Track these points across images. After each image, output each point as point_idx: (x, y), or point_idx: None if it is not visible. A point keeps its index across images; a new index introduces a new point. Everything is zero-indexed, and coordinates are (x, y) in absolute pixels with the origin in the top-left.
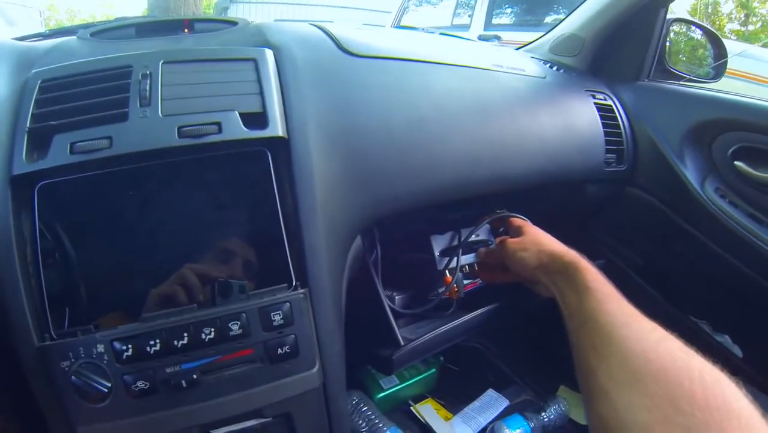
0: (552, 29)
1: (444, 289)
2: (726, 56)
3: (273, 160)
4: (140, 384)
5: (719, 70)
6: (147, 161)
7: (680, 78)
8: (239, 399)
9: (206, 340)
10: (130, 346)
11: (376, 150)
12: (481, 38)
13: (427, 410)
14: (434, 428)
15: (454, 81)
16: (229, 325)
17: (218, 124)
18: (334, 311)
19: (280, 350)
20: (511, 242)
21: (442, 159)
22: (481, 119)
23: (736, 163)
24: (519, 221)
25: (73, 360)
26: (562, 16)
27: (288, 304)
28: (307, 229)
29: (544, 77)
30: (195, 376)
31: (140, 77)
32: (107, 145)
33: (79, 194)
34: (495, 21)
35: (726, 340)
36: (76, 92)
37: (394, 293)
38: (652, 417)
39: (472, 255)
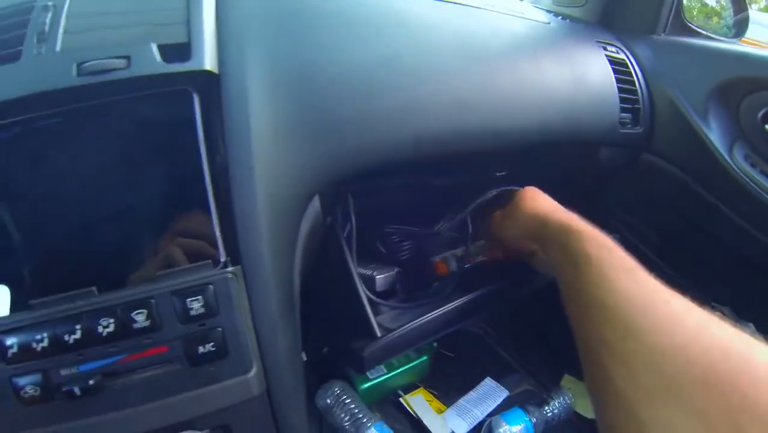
0: None
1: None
2: (746, 10)
3: (200, 103)
4: (29, 390)
5: (740, 26)
6: (45, 109)
7: (697, 34)
8: (156, 410)
9: (104, 334)
10: (14, 341)
11: (337, 91)
12: None
13: (418, 402)
14: (425, 422)
15: (435, 16)
16: (132, 315)
17: (128, 58)
18: (280, 297)
19: (201, 349)
20: (498, 213)
21: (420, 104)
22: (470, 61)
23: (767, 127)
24: (517, 192)
25: None
26: None
27: (211, 287)
28: (240, 189)
29: (548, 23)
30: (92, 381)
31: (41, 10)
32: None
33: None
34: None
35: (751, 329)
36: None
37: (375, 273)
38: None
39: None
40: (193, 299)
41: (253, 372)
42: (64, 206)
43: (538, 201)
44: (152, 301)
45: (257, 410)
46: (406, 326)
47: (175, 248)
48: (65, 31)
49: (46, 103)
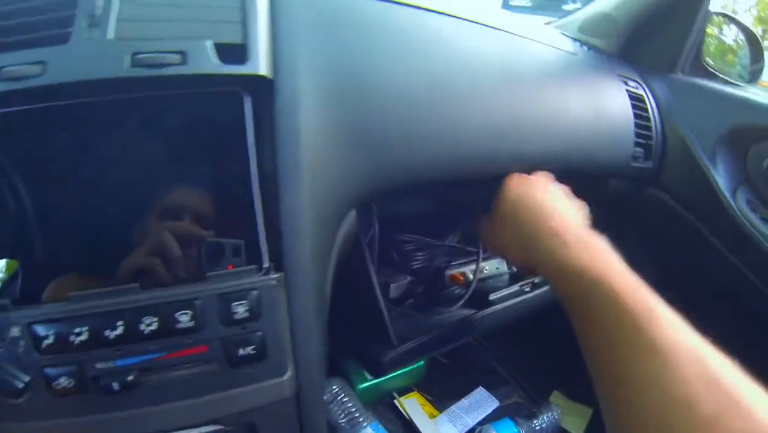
0: (584, 7)
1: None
2: (762, 60)
3: (252, 106)
4: (63, 381)
5: (755, 74)
6: (91, 96)
7: (714, 76)
8: (188, 408)
9: (146, 332)
10: (51, 332)
11: (386, 105)
12: None
13: (412, 405)
14: (418, 425)
15: (478, 40)
16: (177, 315)
17: (183, 53)
18: (316, 304)
19: (242, 351)
20: (484, 218)
21: (462, 126)
22: (506, 87)
23: None
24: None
25: None
26: (578, 5)
27: (256, 292)
28: (288, 195)
29: (575, 53)
30: (130, 378)
31: None
32: (39, 72)
33: (13, 134)
34: (513, 2)
35: None
36: (16, 9)
37: (389, 280)
38: None
39: None
40: (238, 303)
41: (288, 375)
42: (108, 198)
43: (521, 204)
44: (197, 302)
45: (285, 409)
46: (423, 336)
47: (218, 250)
48: (118, 18)
49: (95, 90)
